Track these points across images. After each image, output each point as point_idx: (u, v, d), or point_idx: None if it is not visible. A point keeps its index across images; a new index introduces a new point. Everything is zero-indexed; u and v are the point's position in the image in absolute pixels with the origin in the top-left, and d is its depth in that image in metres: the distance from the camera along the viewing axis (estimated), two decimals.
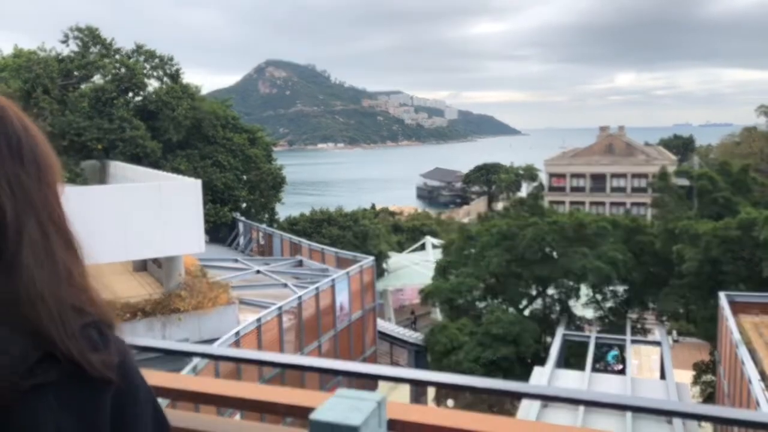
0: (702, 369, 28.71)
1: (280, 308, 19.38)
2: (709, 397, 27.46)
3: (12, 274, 1.00)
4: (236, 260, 29.20)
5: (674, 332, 36.83)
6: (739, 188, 29.56)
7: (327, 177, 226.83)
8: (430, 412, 2.14)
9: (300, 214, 42.91)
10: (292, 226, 40.16)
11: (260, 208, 40.68)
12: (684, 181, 37.55)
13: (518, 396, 2.27)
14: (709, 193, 28.60)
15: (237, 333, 17.24)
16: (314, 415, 1.94)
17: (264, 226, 38.03)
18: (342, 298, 23.78)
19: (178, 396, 2.35)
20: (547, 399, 2.20)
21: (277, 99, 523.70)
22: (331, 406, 1.98)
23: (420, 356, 30.43)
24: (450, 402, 26.91)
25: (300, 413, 2.16)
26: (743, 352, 16.49)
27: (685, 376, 28.07)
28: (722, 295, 21.58)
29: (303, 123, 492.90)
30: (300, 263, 29.50)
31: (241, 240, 37.31)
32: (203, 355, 2.59)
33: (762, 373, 16.02)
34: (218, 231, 37.50)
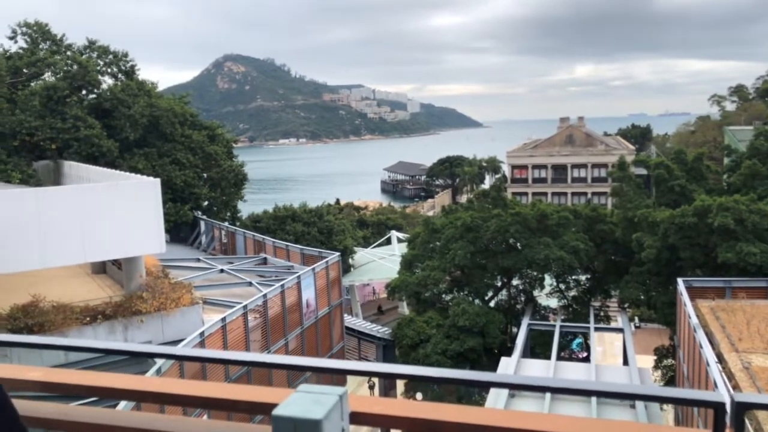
0: (663, 353, 29.49)
1: (245, 307, 19.16)
2: (670, 381, 28.22)
3: None
4: (199, 259, 28.76)
5: (636, 318, 37.76)
6: (695, 176, 30.35)
7: (290, 173, 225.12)
8: (392, 404, 2.09)
9: (263, 211, 42.45)
10: (256, 223, 39.71)
11: (222, 206, 40.10)
12: (642, 170, 38.42)
13: (487, 386, 2.24)
14: (665, 181, 29.29)
15: (202, 333, 16.96)
16: (277, 411, 1.89)
17: (226, 224, 37.51)
18: (308, 294, 23.63)
19: (142, 397, 2.26)
20: (515, 388, 2.18)
21: (237, 94, 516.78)
22: (293, 402, 1.93)
23: (388, 350, 30.48)
24: (419, 396, 27.05)
25: (264, 410, 2.10)
26: (701, 336, 16.97)
27: (647, 360, 28.81)
28: (680, 281, 22.17)
29: (264, 118, 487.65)
30: (264, 261, 29.21)
31: (204, 239, 36.73)
32: (167, 356, 2.49)
33: (719, 355, 16.51)
34: (179, 230, 36.84)
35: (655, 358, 29.59)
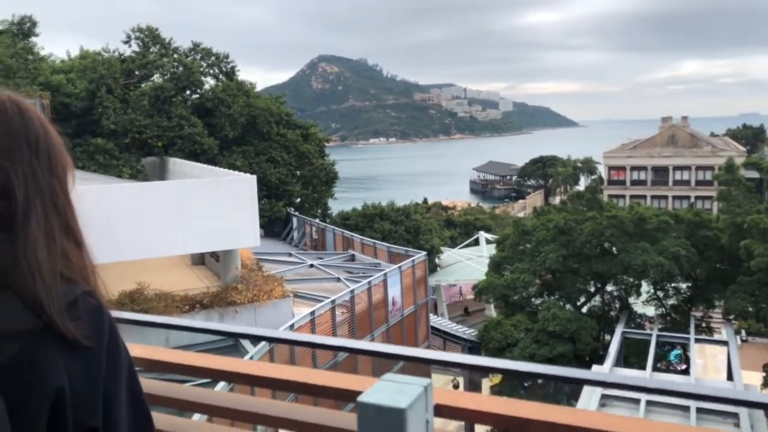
0: None
1: (333, 302, 19.54)
2: None
3: (17, 246, 1.22)
4: (290, 254, 29.64)
5: (743, 332, 35.22)
6: None
7: (379, 172, 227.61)
8: (478, 399, 2.06)
9: (352, 208, 43.19)
10: (345, 220, 40.45)
11: (313, 203, 41.16)
12: (754, 173, 35.82)
13: (583, 383, 2.17)
14: None
15: (291, 326, 17.48)
16: (362, 398, 1.92)
17: (317, 220, 38.45)
18: (394, 292, 23.77)
19: (234, 378, 2.37)
20: (611, 386, 2.08)
21: (330, 94, 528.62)
22: (378, 389, 1.95)
23: (474, 352, 30.14)
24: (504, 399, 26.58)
25: (349, 397, 2.13)
26: None
27: (755, 378, 26.79)
28: None
29: (355, 118, 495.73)
30: (352, 258, 29.67)
31: (295, 234, 37.82)
32: (270, 339, 2.62)
33: None
34: (273, 225, 38.15)
35: (764, 375, 27.47)
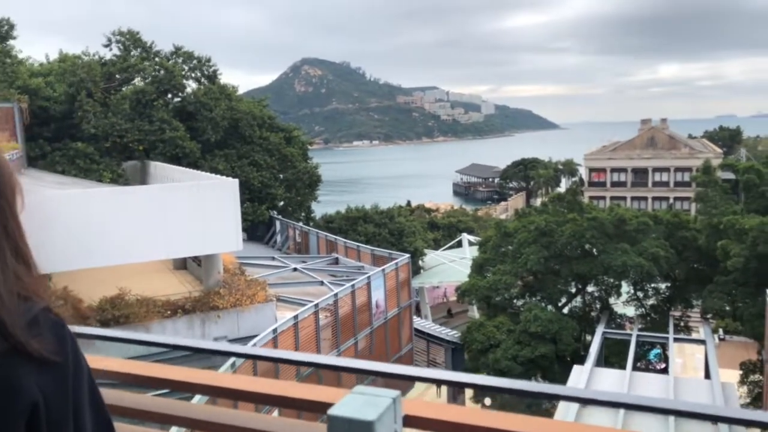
0: (749, 368, 27.81)
1: (316, 305, 19.57)
2: (756, 398, 26.60)
3: None
4: (273, 258, 29.59)
5: (720, 330, 35.78)
6: None
7: (362, 174, 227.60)
8: (446, 409, 2.12)
9: (336, 211, 43.18)
10: (328, 224, 40.45)
11: (296, 207, 41.11)
12: (729, 175, 36.41)
13: (554, 398, 2.24)
14: (756, 186, 27.69)
15: (274, 330, 17.47)
16: (332, 411, 1.96)
17: (300, 224, 38.43)
18: (378, 295, 23.85)
19: (198, 390, 2.39)
20: (583, 402, 2.15)
21: (313, 97, 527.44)
22: (347, 402, 2.00)
23: (457, 354, 30.30)
24: (487, 400, 26.75)
25: (321, 409, 2.18)
26: None
27: (732, 375, 27.23)
28: None
29: (338, 121, 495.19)
30: (336, 261, 29.70)
31: (278, 238, 37.74)
32: (242, 356, 2.64)
33: None
34: (256, 229, 38.03)
35: (741, 373, 27.95)
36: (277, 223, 38.26)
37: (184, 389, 2.32)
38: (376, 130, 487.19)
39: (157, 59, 37.47)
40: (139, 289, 17.04)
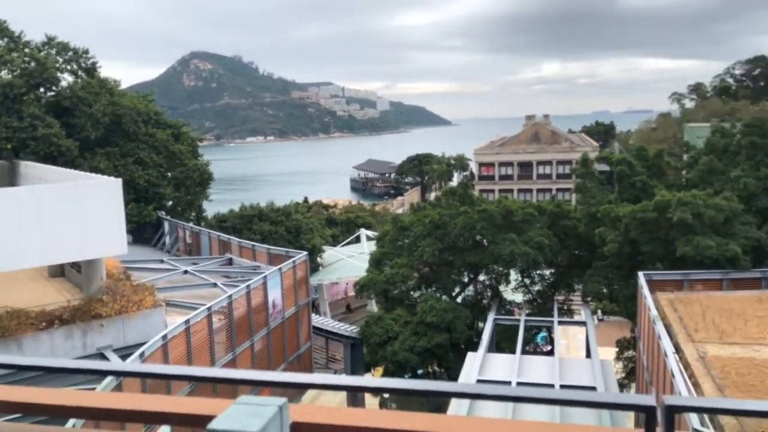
0: (624, 345, 30.12)
1: (209, 309, 18.93)
2: (631, 372, 28.86)
3: None
4: (162, 261, 28.32)
5: (599, 312, 38.47)
6: (655, 172, 31.05)
7: (257, 171, 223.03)
8: (336, 413, 2.09)
9: (229, 210, 41.98)
10: (221, 223, 39.25)
11: (187, 206, 39.53)
12: (605, 167, 39.14)
13: (445, 396, 2.26)
14: (627, 177, 29.89)
15: (164, 336, 16.71)
16: (212, 425, 1.87)
17: (191, 224, 37.01)
18: (275, 295, 23.47)
19: (67, 413, 2.20)
20: (474, 397, 2.18)
21: (203, 92, 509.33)
22: (230, 414, 1.92)
23: (356, 349, 30.47)
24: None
25: (201, 422, 2.07)
26: (660, 328, 17.38)
27: (610, 353, 29.39)
28: (641, 275, 22.69)
29: (231, 116, 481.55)
30: (230, 261, 28.91)
31: (167, 240, 36.17)
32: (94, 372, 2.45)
33: (676, 346, 16.95)
34: (142, 231, 36.21)
35: (617, 350, 30.21)
36: (166, 224, 36.63)
37: (36, 412, 2.11)
38: (271, 126, 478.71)
39: (26, 50, 34.57)
40: (9, 301, 15.67)
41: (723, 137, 30.31)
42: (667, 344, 16.05)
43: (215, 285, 23.41)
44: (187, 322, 17.52)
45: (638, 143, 51.13)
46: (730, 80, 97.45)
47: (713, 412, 2.07)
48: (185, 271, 25.48)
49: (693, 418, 11.52)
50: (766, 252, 25.15)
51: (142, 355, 15.26)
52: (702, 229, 24.36)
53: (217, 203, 47.89)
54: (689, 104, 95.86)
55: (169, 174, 38.11)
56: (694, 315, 19.55)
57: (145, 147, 36.44)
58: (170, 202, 38.66)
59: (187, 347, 17.38)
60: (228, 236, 32.14)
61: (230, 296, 20.27)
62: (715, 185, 27.57)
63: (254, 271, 25.79)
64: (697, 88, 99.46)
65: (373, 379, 2.16)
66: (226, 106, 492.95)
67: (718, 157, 29.34)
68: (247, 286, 21.45)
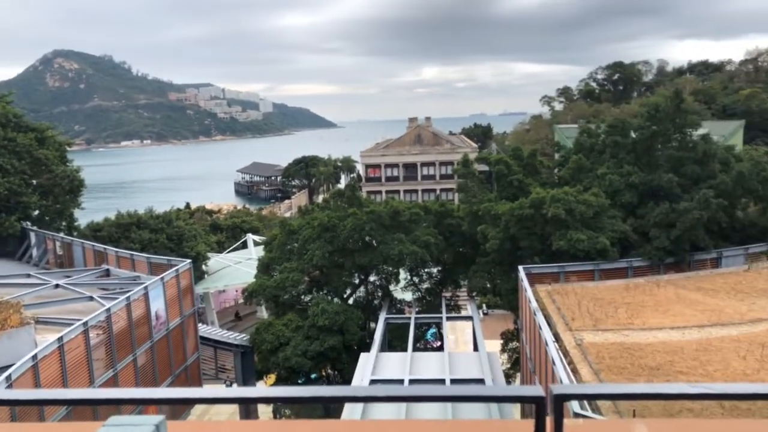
0: (508, 337, 31.68)
1: (85, 324, 17.67)
2: (515, 362, 30.39)
3: None
4: (29, 275, 26.11)
5: (484, 306, 40.17)
6: (530, 171, 32.90)
7: (134, 177, 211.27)
8: (216, 427, 1.98)
9: (104, 218, 39.42)
10: (96, 232, 36.77)
11: (55, 216, 36.59)
12: (484, 167, 40.92)
13: (337, 401, 2.20)
14: (505, 176, 31.44)
15: (34, 356, 15.38)
16: None
17: (61, 234, 34.34)
18: (157, 306, 22.34)
19: None
20: (365, 400, 2.14)
21: (70, 93, 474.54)
22: None
23: (247, 357, 29.70)
24: None
25: None
26: (540, 318, 18.42)
27: (495, 345, 30.78)
28: (521, 269, 23.95)
29: (102, 119, 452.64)
30: (107, 273, 27.18)
31: (34, 252, 33.36)
32: None
33: (556, 335, 18.05)
34: (5, 244, 33.16)
35: (502, 342, 31.70)
36: (32, 236, 33.77)
37: None
38: (147, 129, 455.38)
39: None
40: None
41: (589, 137, 32.70)
42: (547, 334, 17.04)
43: (91, 298, 21.89)
44: (60, 339, 16.24)
45: (514, 144, 54.03)
46: (594, 84, 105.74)
47: (598, 398, 2.18)
48: (57, 285, 23.63)
49: (573, 402, 12.30)
50: (631, 243, 27.44)
51: (9, 378, 13.94)
52: (574, 224, 26.12)
53: (90, 212, 44.81)
54: (558, 107, 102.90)
55: (35, 181, 35.13)
56: (570, 305, 20.91)
57: (4, 152, 33.37)
58: (36, 212, 35.65)
59: (62, 367, 16.11)
60: (104, 246, 30.22)
61: (108, 309, 19.04)
62: (584, 182, 29.67)
63: (134, 281, 24.41)
64: (564, 92, 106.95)
65: (260, 389, 2.07)
66: (97, 108, 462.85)
67: (586, 156, 31.61)
68: (127, 298, 20.25)
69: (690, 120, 29.46)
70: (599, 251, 25.63)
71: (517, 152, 33.86)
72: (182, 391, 2.19)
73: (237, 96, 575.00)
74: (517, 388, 1.95)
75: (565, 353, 16.86)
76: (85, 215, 41.36)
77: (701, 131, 30.21)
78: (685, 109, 29.98)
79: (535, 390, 1.93)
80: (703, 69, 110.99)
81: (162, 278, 22.89)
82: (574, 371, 15.65)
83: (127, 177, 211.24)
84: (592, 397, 2.22)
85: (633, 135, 30.08)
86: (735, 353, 16.74)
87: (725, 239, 27.65)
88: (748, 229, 28.04)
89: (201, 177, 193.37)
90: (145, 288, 21.61)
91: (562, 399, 1.99)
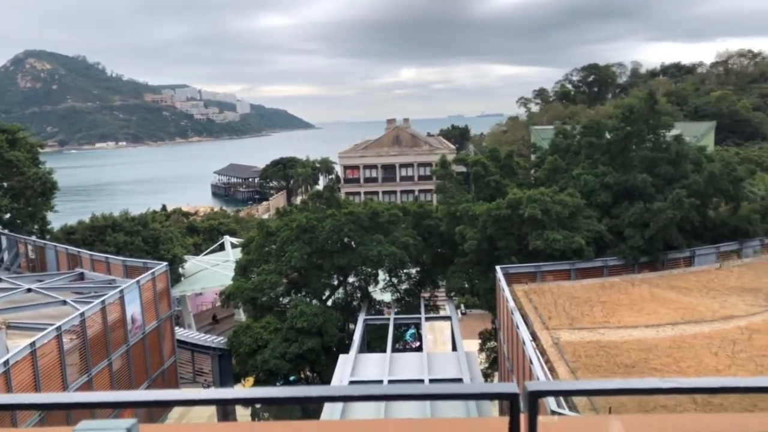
0: (486, 337, 31.86)
1: (58, 329, 17.39)
2: (493, 361, 30.58)
3: None
4: (0, 279, 25.58)
5: (462, 306, 40.38)
6: (507, 172, 33.15)
7: (108, 179, 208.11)
8: (188, 430, 1.97)
9: (78, 221, 38.81)
10: (69, 235, 36.20)
11: (27, 219, 35.90)
12: (462, 168, 41.15)
13: (316, 401, 2.19)
14: (482, 177, 31.65)
15: (6, 362, 15.09)
16: None
17: (34, 238, 33.73)
18: (133, 309, 22.06)
19: None
20: (344, 400, 2.15)
21: (42, 94, 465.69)
22: None
23: (224, 360, 29.46)
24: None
25: None
26: (517, 317, 18.58)
27: (474, 344, 30.95)
28: (498, 269, 24.13)
29: (76, 120, 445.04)
30: (81, 276, 26.79)
31: (6, 255, 32.73)
32: None
33: (533, 334, 18.22)
34: None
35: (480, 341, 31.89)
36: (3, 239, 33.14)
37: None
38: (123, 131, 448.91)
39: None
40: None
41: (565, 138, 33.06)
42: (524, 333, 17.19)
43: (65, 302, 21.56)
44: (32, 344, 15.96)
45: (491, 145, 54.43)
46: (569, 86, 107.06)
47: (572, 394, 2.21)
48: (29, 290, 23.23)
49: (550, 400, 12.41)
50: (606, 243, 27.80)
51: None
52: (550, 224, 26.39)
53: (64, 214, 44.07)
54: (535, 108, 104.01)
55: (5, 184, 34.49)
56: (547, 304, 21.12)
57: None
58: (8, 215, 34.98)
59: (34, 372, 15.82)
60: (78, 249, 29.76)
61: (83, 314, 18.75)
62: (560, 183, 29.99)
63: (109, 285, 24.08)
64: (540, 93, 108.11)
65: (238, 390, 2.06)
66: (71, 109, 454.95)
67: (561, 157, 31.95)
68: (102, 302, 19.97)
69: (663, 121, 29.95)
70: (575, 251, 25.92)
71: (494, 153, 34.11)
72: (158, 393, 2.17)
73: (214, 97, 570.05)
74: (492, 386, 1.97)
75: (542, 352, 17.03)
76: (58, 218, 40.68)
77: (674, 132, 30.73)
78: (658, 110, 30.49)
79: (510, 387, 1.95)
80: (676, 71, 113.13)
81: (138, 281, 22.62)
82: (551, 370, 15.81)
83: (102, 179, 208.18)
84: (565, 393, 2.25)
85: (608, 136, 30.49)
86: (707, 350, 17.07)
87: (698, 238, 28.16)
88: (720, 228, 28.60)
89: (177, 178, 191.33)
90: (121, 291, 21.34)
91: (536, 396, 2.01)
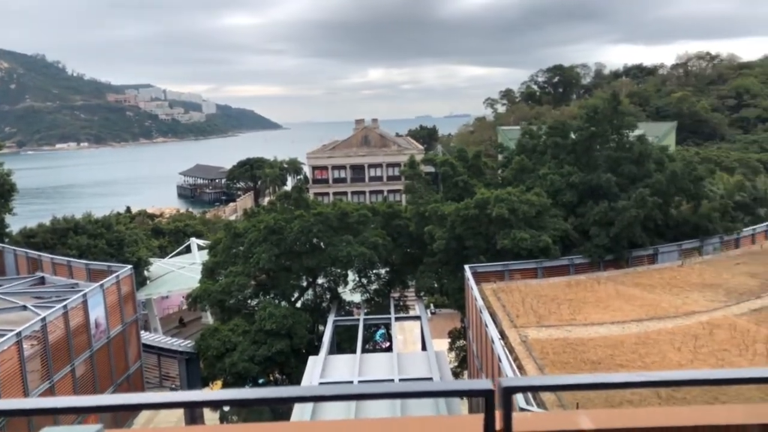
0: (456, 336, 32.05)
1: (18, 334, 16.89)
2: (463, 360, 30.78)
3: None
4: None
5: (431, 305, 40.57)
6: (475, 172, 33.43)
7: (70, 181, 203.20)
8: None
9: (38, 224, 37.78)
10: (29, 239, 35.22)
11: None
12: (431, 168, 41.33)
13: (286, 402, 2.16)
14: (450, 177, 31.84)
15: None
16: None
17: None
18: (97, 313, 21.57)
19: None
20: (315, 400, 2.12)
21: (0, 94, 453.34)
22: None
23: (192, 364, 29.02)
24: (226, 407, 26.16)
25: None
26: (486, 316, 18.73)
27: (443, 344, 31.10)
28: (467, 268, 24.30)
29: (35, 120, 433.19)
30: (41, 280, 26.10)
31: None
32: None
33: (501, 332, 18.38)
34: None
35: (449, 340, 32.07)
36: None
37: None
38: (84, 131, 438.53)
39: None
40: None
41: (531, 139, 33.48)
42: (493, 331, 17.34)
43: (25, 308, 20.96)
44: None
45: (459, 145, 54.79)
46: (535, 87, 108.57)
47: (546, 389, 2.23)
48: None
49: (519, 398, 12.54)
50: (572, 242, 28.24)
51: None
52: (517, 223, 26.69)
53: (23, 217, 42.86)
54: (501, 109, 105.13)
55: None
56: (515, 302, 21.34)
57: None
58: None
59: None
60: (38, 253, 29.00)
61: (44, 319, 18.26)
62: (527, 182, 30.36)
63: (72, 289, 23.51)
64: (507, 94, 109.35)
65: (206, 392, 2.00)
66: (30, 109, 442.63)
67: (528, 157, 32.35)
68: (64, 307, 19.47)
69: (626, 121, 30.57)
70: (542, 249, 26.26)
71: (462, 153, 34.34)
72: (123, 397, 2.10)
73: (179, 97, 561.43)
74: (467, 383, 1.97)
75: (511, 350, 17.20)
76: (17, 221, 39.54)
77: (637, 132, 31.39)
78: (621, 111, 31.10)
79: (485, 384, 1.96)
80: (638, 72, 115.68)
81: (101, 285, 22.13)
82: (520, 367, 15.98)
83: (63, 181, 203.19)
84: (540, 389, 2.26)
85: (573, 136, 30.99)
86: (671, 345, 17.47)
87: (660, 236, 28.82)
88: (682, 227, 29.32)
89: (142, 180, 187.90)
90: (84, 295, 20.84)
91: (510, 392, 2.02)
